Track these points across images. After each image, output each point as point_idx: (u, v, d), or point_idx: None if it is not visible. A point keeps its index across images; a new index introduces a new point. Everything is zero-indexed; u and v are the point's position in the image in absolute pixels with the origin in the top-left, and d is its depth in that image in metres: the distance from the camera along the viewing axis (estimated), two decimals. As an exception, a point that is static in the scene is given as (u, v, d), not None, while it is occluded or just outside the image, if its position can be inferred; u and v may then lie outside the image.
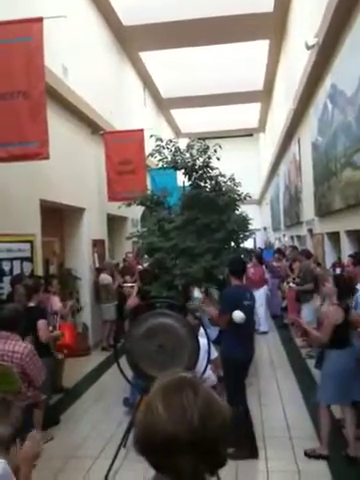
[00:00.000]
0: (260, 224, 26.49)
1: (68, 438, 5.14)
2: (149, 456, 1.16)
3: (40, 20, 5.59)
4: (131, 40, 12.38)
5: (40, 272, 7.15)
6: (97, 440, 5.07)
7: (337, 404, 4.67)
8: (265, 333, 10.08)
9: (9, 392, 3.49)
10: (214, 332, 5.88)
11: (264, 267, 11.11)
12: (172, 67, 14.77)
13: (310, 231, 11.06)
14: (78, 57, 9.18)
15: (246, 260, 10.12)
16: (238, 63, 14.60)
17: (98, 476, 4.27)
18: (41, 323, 5.00)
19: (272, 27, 12.00)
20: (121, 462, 4.43)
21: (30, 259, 6.89)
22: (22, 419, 2.12)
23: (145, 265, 8.60)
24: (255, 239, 26.19)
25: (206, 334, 4.85)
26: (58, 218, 9.34)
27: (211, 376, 5.20)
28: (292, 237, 15.07)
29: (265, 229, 26.95)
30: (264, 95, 17.75)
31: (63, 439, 5.12)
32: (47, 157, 5.38)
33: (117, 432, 4.98)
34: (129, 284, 9.07)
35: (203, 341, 4.83)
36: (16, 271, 6.44)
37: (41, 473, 3.82)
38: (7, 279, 6.21)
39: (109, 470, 4.27)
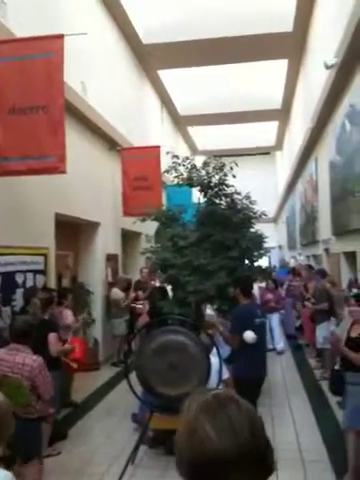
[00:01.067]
0: (275, 242, 26.35)
1: (75, 453, 5.09)
2: (199, 478, 1.11)
3: (61, 37, 5.68)
4: (150, 58, 12.52)
5: (53, 285, 7.16)
6: (105, 456, 5.02)
7: None
8: (282, 352, 9.99)
9: (19, 405, 3.48)
10: (226, 351, 5.81)
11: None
12: (190, 85, 14.91)
13: (326, 250, 10.96)
14: (97, 74, 9.31)
15: (262, 281, 10.13)
16: (256, 82, 14.69)
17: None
18: (52, 336, 5.00)
19: (291, 46, 12.06)
20: (129, 478, 4.37)
21: (43, 272, 6.91)
22: (30, 433, 2.10)
23: (158, 281, 8.59)
24: (270, 257, 26.04)
25: (218, 353, 4.80)
26: (73, 232, 9.38)
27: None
28: (308, 256, 14.95)
29: (280, 247, 26.79)
30: (282, 114, 17.79)
31: (70, 454, 5.07)
32: (64, 171, 5.43)
33: (125, 448, 4.92)
34: (140, 302, 9.06)
35: (215, 360, 4.78)
36: (29, 283, 6.46)
37: None
38: (19, 291, 6.23)
39: (116, 488, 4.22)
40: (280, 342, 10.18)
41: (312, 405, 6.60)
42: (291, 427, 5.85)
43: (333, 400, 6.28)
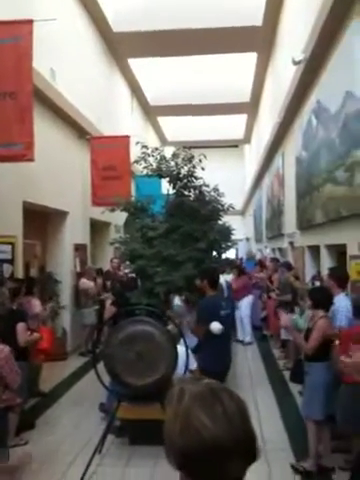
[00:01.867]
0: (243, 235, 26.62)
1: (43, 443, 5.09)
2: (196, 469, 1.13)
3: (30, 22, 5.61)
4: (120, 46, 12.42)
5: (20, 275, 7.09)
6: (72, 445, 5.03)
7: (323, 418, 4.44)
8: (250, 344, 10.16)
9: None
10: (194, 341, 5.89)
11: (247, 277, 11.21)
12: (160, 75, 14.89)
13: (291, 244, 11.17)
14: (67, 61, 9.19)
15: (229, 272, 10.28)
16: (226, 74, 14.80)
17: (71, 483, 4.24)
18: (20, 326, 4.96)
19: (260, 40, 12.16)
20: (96, 468, 4.41)
21: (11, 261, 6.83)
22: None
23: (126, 271, 8.60)
24: (237, 249, 26.31)
25: (184, 342, 4.87)
26: (41, 221, 9.28)
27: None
28: (274, 249, 15.19)
29: (248, 240, 27.11)
30: (251, 107, 17.93)
31: (38, 443, 5.07)
32: (32, 159, 5.38)
33: (93, 437, 4.95)
34: (106, 294, 9.08)
35: (182, 349, 4.85)
36: (-4, 273, 6.38)
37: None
38: (-13, 281, 6.14)
39: (84, 475, 4.25)
40: (248, 334, 10.32)
41: (276, 395, 6.76)
42: (255, 418, 5.96)
43: (295, 389, 6.45)
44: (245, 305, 10.39)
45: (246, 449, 1.12)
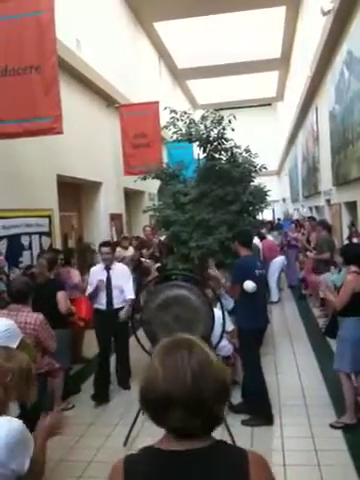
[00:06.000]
0: (279, 195, 26.27)
1: (89, 406, 5.30)
2: (147, 410, 1.29)
3: (51, -7, 5.55)
4: (145, 10, 12.21)
5: (59, 246, 7.27)
6: (117, 408, 5.23)
7: (354, 372, 4.62)
8: (275, 302, 10.17)
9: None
10: (230, 303, 5.95)
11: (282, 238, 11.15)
12: (188, 37, 14.55)
13: (328, 201, 10.96)
14: (92, 30, 9.12)
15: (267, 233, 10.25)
16: (255, 31, 14.32)
17: (117, 442, 4.43)
18: (60, 294, 5.10)
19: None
20: (139, 429, 4.58)
21: (48, 234, 7.00)
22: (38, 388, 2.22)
23: (161, 238, 8.68)
24: (274, 211, 26.03)
25: (221, 305, 4.92)
26: (76, 193, 9.42)
27: (227, 345, 5.29)
28: (310, 208, 14.95)
29: (284, 200, 26.73)
30: (282, 63, 17.40)
31: (84, 407, 5.29)
32: (61, 132, 5.41)
33: (136, 399, 5.10)
34: (148, 261, 9.18)
35: (218, 312, 4.91)
36: (35, 245, 6.56)
37: (62, 438, 3.98)
38: (26, 253, 6.34)
39: (128, 436, 4.43)
40: (274, 294, 10.30)
41: (315, 352, 6.79)
42: (295, 374, 6.04)
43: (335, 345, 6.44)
44: (272, 266, 10.24)
45: (196, 409, 1.22)
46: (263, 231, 10.39)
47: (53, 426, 2.15)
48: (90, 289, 5.64)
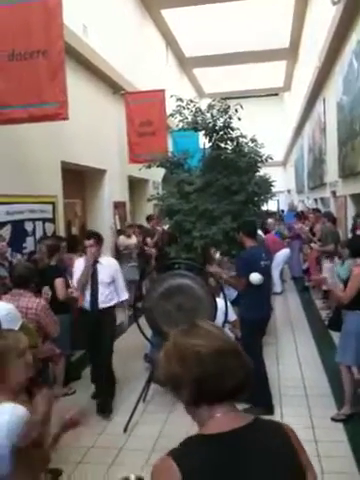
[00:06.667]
0: (284, 186, 26.15)
1: (89, 392, 5.33)
2: (203, 389, 1.29)
3: (58, -22, 5.49)
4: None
5: (62, 233, 7.27)
6: (118, 394, 5.25)
7: (357, 365, 4.66)
8: (279, 293, 10.16)
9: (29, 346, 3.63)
10: (233, 293, 5.95)
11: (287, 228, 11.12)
12: (195, 25, 14.38)
13: (333, 193, 10.91)
14: (99, 16, 9.03)
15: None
16: (263, 20, 14.12)
17: (118, 428, 4.46)
18: (58, 281, 5.10)
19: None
20: (140, 416, 4.61)
21: (52, 220, 7.00)
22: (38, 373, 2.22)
23: (165, 227, 8.67)
24: (278, 202, 25.95)
25: (224, 295, 4.92)
26: (80, 180, 9.40)
27: (228, 335, 5.30)
28: (316, 199, 14.90)
29: (289, 191, 26.63)
30: (290, 53, 17.23)
31: (84, 393, 5.32)
32: (66, 118, 5.37)
33: (137, 387, 5.14)
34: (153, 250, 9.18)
35: (221, 302, 4.91)
36: (38, 232, 6.56)
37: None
38: (29, 239, 6.34)
39: (128, 423, 4.45)
40: (276, 285, 10.27)
41: (317, 343, 6.80)
42: (296, 364, 6.06)
43: (337, 338, 6.45)
44: (276, 258, 10.15)
45: (235, 350, 1.34)
46: (270, 221, 10.32)
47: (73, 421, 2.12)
48: (75, 284, 5.00)
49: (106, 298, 4.95)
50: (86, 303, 4.96)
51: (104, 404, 4.84)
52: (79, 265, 5.04)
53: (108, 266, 5.03)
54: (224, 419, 1.29)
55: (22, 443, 1.79)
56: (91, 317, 4.90)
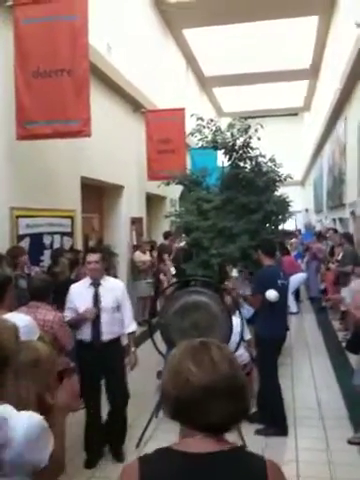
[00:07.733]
0: (302, 206, 26.05)
1: (103, 407, 5.30)
2: (180, 411, 1.27)
3: (85, -1, 5.63)
4: (175, 17, 12.29)
5: (79, 247, 7.34)
6: (130, 410, 5.21)
7: None
8: (295, 313, 10.09)
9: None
10: (249, 311, 5.93)
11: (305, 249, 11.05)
12: (216, 45, 14.57)
13: (352, 213, 10.85)
14: (123, 35, 9.22)
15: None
16: (285, 40, 14.25)
17: (130, 444, 4.44)
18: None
19: (321, 3, 11.65)
20: (152, 432, 4.58)
21: (70, 234, 7.08)
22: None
23: (181, 244, 8.69)
24: (296, 220, 25.84)
25: (240, 314, 4.91)
26: (99, 195, 9.51)
27: (244, 354, 5.27)
28: (334, 219, 14.81)
29: (307, 211, 26.51)
30: (311, 73, 17.31)
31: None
32: (89, 135, 5.48)
33: (150, 403, 5.11)
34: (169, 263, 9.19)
35: (237, 320, 4.90)
36: (56, 245, 6.64)
37: (74, 438, 4.01)
38: (47, 252, 6.42)
39: (140, 439, 4.43)
40: (293, 305, 10.18)
41: (333, 365, 6.71)
42: (311, 386, 5.98)
43: (354, 360, 6.36)
44: (293, 280, 10.10)
45: (234, 395, 1.25)
46: (293, 241, 10.29)
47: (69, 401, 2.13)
48: (68, 315, 4.13)
49: (109, 329, 4.14)
50: (85, 335, 4.14)
51: (119, 453, 4.27)
52: (77, 290, 4.24)
53: (111, 289, 4.21)
54: (197, 442, 1.26)
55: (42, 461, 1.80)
56: (92, 352, 4.10)
